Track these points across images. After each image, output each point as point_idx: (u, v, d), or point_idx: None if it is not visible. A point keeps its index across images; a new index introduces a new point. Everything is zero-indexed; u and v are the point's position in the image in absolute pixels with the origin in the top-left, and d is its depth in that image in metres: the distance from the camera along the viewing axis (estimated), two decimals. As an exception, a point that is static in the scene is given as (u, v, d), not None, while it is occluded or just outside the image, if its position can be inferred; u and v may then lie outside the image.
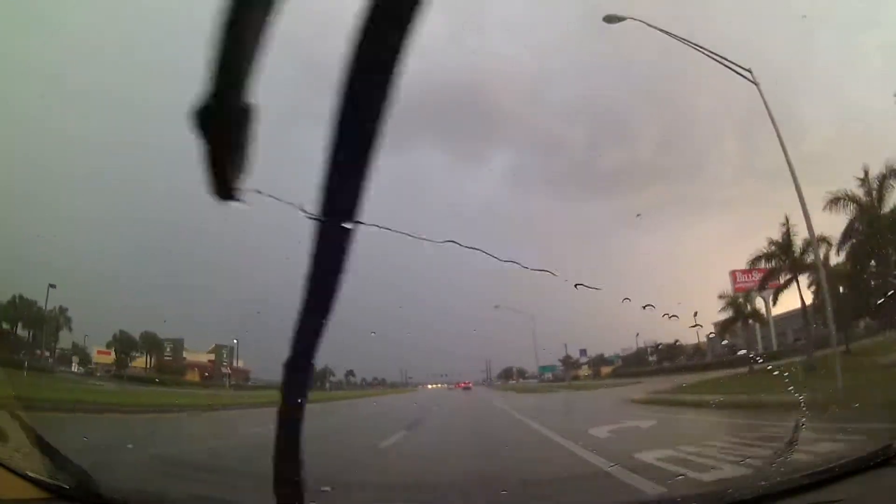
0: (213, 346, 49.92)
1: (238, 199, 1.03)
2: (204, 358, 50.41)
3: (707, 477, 4.77)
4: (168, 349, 45.61)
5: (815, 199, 23.30)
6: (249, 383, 48.57)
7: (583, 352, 48.25)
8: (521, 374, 74.04)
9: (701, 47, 17.26)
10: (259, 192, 1.05)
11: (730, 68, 16.81)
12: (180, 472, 5.34)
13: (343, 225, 1.08)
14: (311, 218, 1.07)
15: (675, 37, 17.41)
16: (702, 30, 77.99)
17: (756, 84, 16.55)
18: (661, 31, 17.33)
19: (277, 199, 1.08)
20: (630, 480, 4.82)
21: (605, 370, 59.74)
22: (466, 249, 1.46)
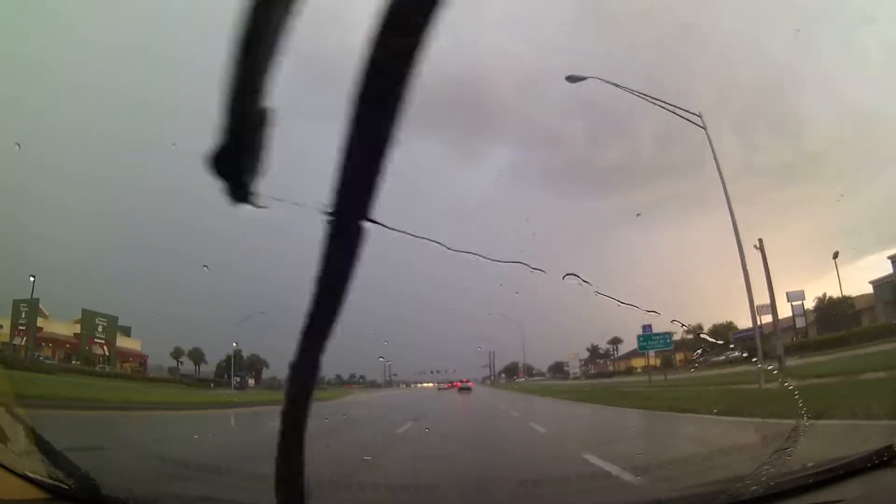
0: (81, 312, 34.94)
1: (253, 203, 1.04)
2: (69, 330, 36.30)
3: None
4: (23, 314, 31.12)
5: (820, 198, 23.30)
6: (148, 373, 38.38)
7: (647, 328, 29.10)
8: (528, 371, 71.13)
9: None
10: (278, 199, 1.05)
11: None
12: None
13: (356, 224, 1.07)
14: (326, 214, 1.05)
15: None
16: (702, 28, 78.03)
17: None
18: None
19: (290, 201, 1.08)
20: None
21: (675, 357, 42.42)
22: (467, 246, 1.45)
